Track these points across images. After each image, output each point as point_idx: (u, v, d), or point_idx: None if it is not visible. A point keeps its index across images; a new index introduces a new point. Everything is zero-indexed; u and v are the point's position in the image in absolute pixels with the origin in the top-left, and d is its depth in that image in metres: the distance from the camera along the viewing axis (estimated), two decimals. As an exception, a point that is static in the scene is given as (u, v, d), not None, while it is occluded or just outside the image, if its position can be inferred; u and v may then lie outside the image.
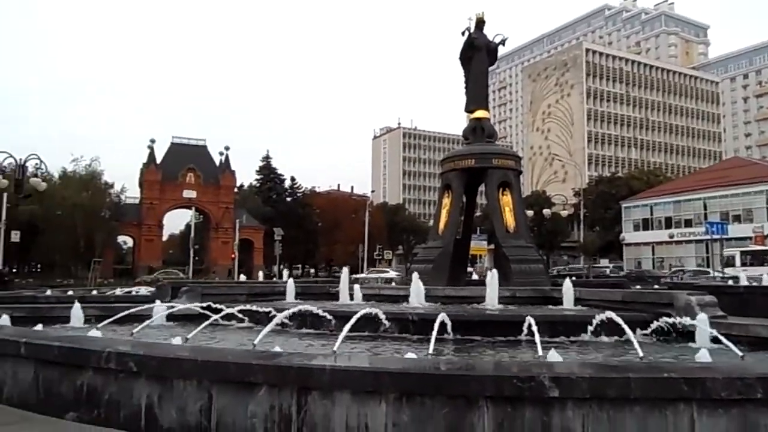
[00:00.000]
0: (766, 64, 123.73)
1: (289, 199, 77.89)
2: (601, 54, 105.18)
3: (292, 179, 79.73)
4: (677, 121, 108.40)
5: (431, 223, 18.86)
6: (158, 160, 63.96)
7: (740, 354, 5.16)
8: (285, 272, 29.61)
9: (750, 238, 45.95)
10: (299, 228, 69.49)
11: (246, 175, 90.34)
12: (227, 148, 66.67)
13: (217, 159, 66.88)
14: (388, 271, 46.33)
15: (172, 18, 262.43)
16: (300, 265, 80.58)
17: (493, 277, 10.54)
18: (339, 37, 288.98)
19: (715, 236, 38.98)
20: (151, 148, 63.73)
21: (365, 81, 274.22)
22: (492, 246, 18.97)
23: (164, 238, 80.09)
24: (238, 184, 71.44)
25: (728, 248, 41.52)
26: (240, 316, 8.41)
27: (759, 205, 53.40)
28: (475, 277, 22.77)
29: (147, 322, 7.21)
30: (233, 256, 52.02)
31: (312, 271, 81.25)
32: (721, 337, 5.56)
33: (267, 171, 78.26)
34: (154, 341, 5.97)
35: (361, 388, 3.37)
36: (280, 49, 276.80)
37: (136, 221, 62.07)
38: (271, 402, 3.46)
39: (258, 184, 78.41)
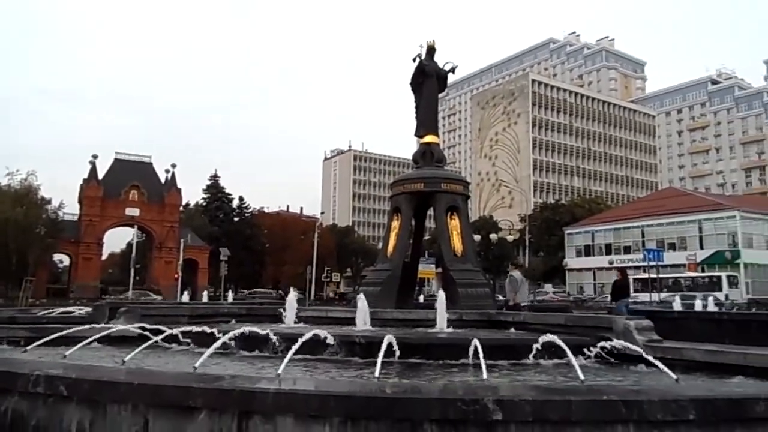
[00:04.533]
0: (698, 101, 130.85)
1: (236, 219, 76.71)
2: (546, 85, 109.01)
3: (241, 199, 78.74)
4: (617, 152, 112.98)
5: (380, 245, 18.91)
6: (101, 176, 61.98)
7: (675, 377, 5.35)
8: (230, 294, 28.97)
9: (684, 265, 48.01)
10: (246, 249, 68.41)
11: (192, 194, 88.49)
12: (174, 166, 65.31)
13: (162, 176, 65.34)
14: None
15: (119, 31, 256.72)
16: (245, 287, 79.08)
17: (441, 300, 10.61)
18: (291, 57, 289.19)
19: (652, 263, 40.58)
20: (92, 163, 61.71)
21: (317, 103, 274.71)
22: (440, 269, 19.16)
23: (104, 257, 77.21)
24: (184, 203, 69.90)
25: (662, 274, 43.36)
26: (182, 338, 8.16)
27: (692, 234, 56.03)
28: (421, 300, 22.89)
29: (81, 344, 6.90)
30: (177, 276, 50.65)
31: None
32: (657, 362, 5.74)
33: (214, 190, 76.97)
34: (87, 364, 5.71)
35: (305, 412, 3.30)
36: (231, 69, 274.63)
37: (74, 239, 59.67)
38: (210, 427, 3.35)
39: (205, 203, 76.95)
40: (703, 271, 47.06)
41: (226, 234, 67.67)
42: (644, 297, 37.36)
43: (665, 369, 5.51)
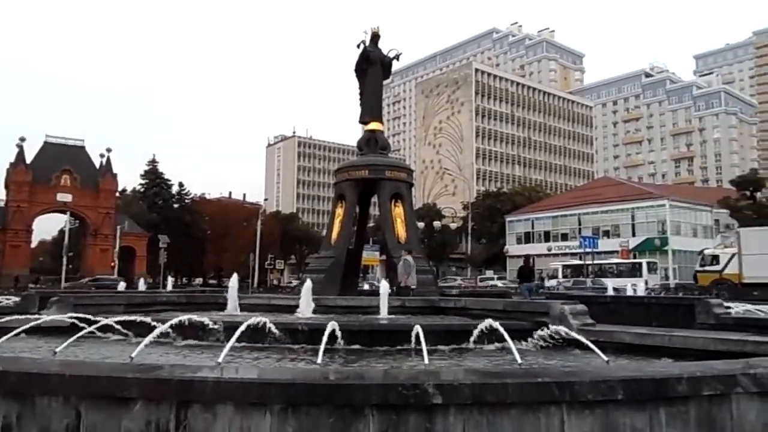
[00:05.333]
0: (633, 93, 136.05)
1: (176, 205, 74.65)
2: (489, 74, 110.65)
3: (180, 185, 76.61)
4: (556, 142, 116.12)
5: (325, 232, 18.85)
6: (29, 160, 58.93)
7: (606, 359, 5.59)
8: (170, 282, 28.24)
9: (617, 252, 50.01)
10: (186, 236, 66.76)
11: (130, 180, 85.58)
12: (109, 150, 62.72)
13: (97, 161, 62.69)
14: None
15: (54, 11, 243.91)
16: (187, 275, 77.36)
17: (384, 287, 10.69)
18: (234, 41, 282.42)
19: (588, 250, 42.21)
20: (20, 146, 58.55)
21: (260, 87, 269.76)
22: (384, 257, 19.29)
23: (33, 245, 73.64)
24: (120, 189, 67.40)
25: (588, 261, 45.26)
26: (117, 327, 7.91)
27: (625, 222, 58.42)
28: (366, 287, 23.01)
29: (9, 335, 6.59)
30: (113, 264, 48.97)
31: (199, 280, 78.17)
32: (590, 344, 5.97)
33: (153, 176, 74.56)
34: (15, 355, 5.47)
35: (245, 400, 3.27)
36: (171, 50, 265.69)
37: (1, 226, 56.68)
38: (147, 417, 3.27)
39: (143, 189, 74.48)
40: (635, 257, 49.15)
41: (166, 221, 65.79)
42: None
43: (597, 351, 5.75)
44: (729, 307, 9.82)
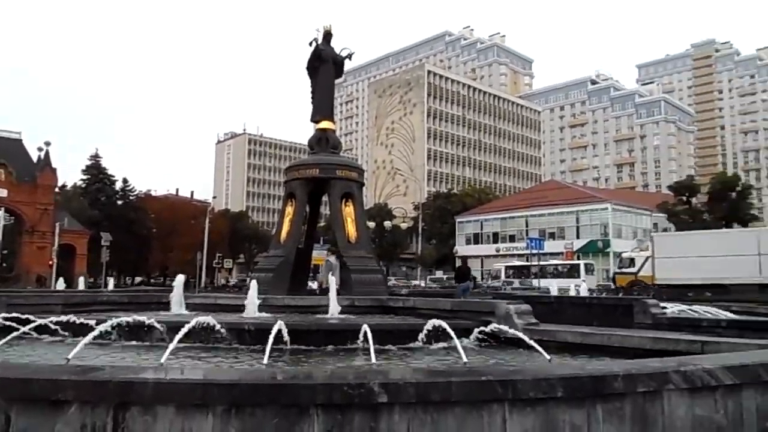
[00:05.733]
0: (579, 99, 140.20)
1: (120, 202, 72.22)
2: (441, 77, 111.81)
3: (125, 181, 74.13)
4: (505, 145, 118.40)
5: (274, 231, 18.64)
6: (-40, 152, 55.88)
7: (548, 357, 5.74)
8: (111, 281, 27.34)
9: (561, 253, 51.42)
10: (131, 233, 64.71)
11: (70, 175, 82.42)
12: (48, 144, 59.96)
13: (34, 155, 60.02)
14: None
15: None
16: (131, 274, 75.07)
17: (333, 286, 10.66)
18: (181, 37, 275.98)
19: (534, 251, 43.27)
20: (-49, 138, 55.54)
21: (210, 84, 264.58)
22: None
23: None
24: (60, 184, 64.75)
25: (532, 262, 46.63)
26: (54, 328, 7.61)
27: (570, 224, 60.18)
28: (315, 287, 22.91)
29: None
30: (51, 263, 47.05)
31: (136, 279, 75.90)
32: (533, 343, 6.12)
33: (95, 171, 71.91)
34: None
35: (187, 402, 3.20)
36: (115, 43, 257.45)
37: (-73, 221, 53.52)
38: (82, 420, 3.16)
39: (84, 185, 71.76)
40: (578, 258, 50.64)
41: (109, 218, 63.61)
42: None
43: (540, 350, 5.90)
44: (665, 308, 10.23)
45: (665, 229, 53.85)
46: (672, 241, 34.45)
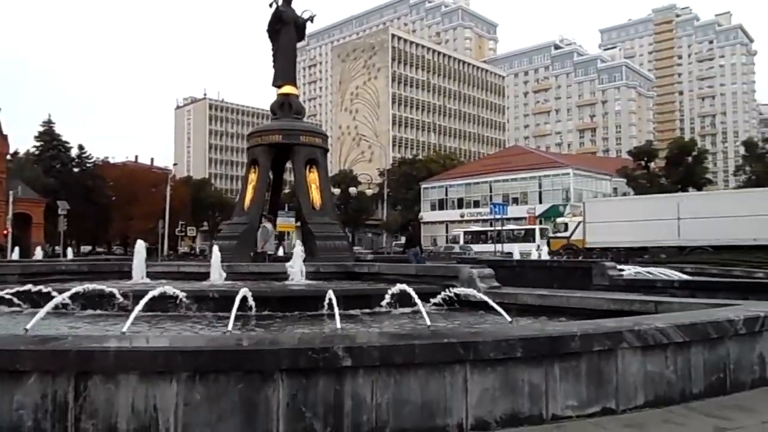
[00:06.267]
0: (543, 64, 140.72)
1: (76, 169, 70.08)
2: (405, 41, 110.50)
3: (81, 147, 71.80)
4: (470, 110, 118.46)
5: (238, 198, 18.43)
6: None
7: (509, 319, 5.89)
8: (69, 250, 26.73)
9: (524, 218, 52.25)
10: (89, 202, 63.08)
11: (23, 142, 79.43)
12: (-2, 109, 57.83)
13: (-16, 122, 57.58)
14: None
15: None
16: (91, 244, 73.41)
17: (297, 253, 10.65)
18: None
19: (498, 216, 43.83)
20: None
21: (168, 47, 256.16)
22: (299, 223, 19.17)
23: None
24: (12, 151, 62.42)
25: (500, 227, 47.48)
26: (9, 298, 7.43)
27: (533, 189, 61.06)
28: (281, 253, 22.90)
29: None
30: (6, 232, 45.62)
31: (97, 248, 74.31)
32: (495, 305, 6.26)
33: (49, 137, 69.41)
34: None
35: (150, 369, 3.20)
36: (67, 6, 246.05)
37: None
38: (43, 390, 3.13)
39: (38, 152, 69.35)
40: (540, 223, 51.54)
41: (65, 186, 61.77)
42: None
43: (502, 312, 6.05)
44: (622, 270, 10.55)
45: (624, 194, 55.12)
46: (602, 207, 35.84)
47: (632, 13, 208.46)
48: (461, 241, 49.58)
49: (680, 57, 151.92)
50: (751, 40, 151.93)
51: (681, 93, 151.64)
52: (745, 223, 27.07)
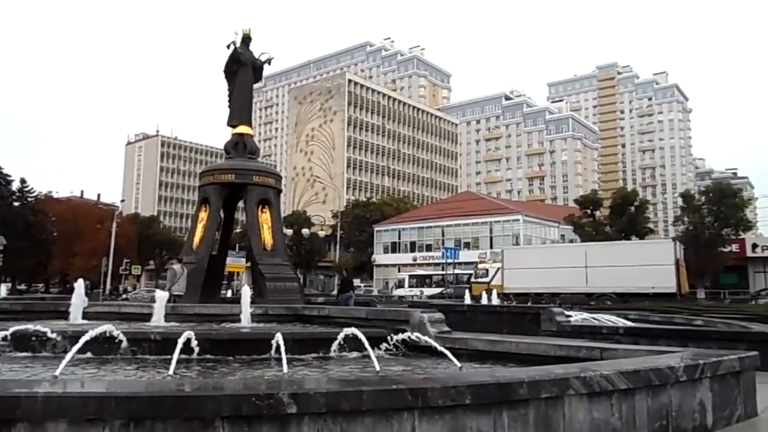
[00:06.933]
0: (494, 113, 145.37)
1: (17, 203, 67.31)
2: (362, 86, 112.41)
3: (23, 181, 68.88)
4: (424, 155, 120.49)
5: (187, 237, 18.01)
6: None
7: (459, 365, 5.85)
8: (3, 288, 25.43)
9: (475, 262, 52.85)
10: (29, 237, 60.49)
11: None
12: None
13: None
14: None
15: None
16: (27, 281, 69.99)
17: (245, 294, 10.42)
18: (89, 32, 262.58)
19: (449, 260, 44.22)
20: None
21: (120, 82, 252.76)
22: (249, 263, 18.80)
23: None
24: (-53, 183, 59.69)
25: (454, 271, 47.85)
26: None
27: (484, 234, 62.09)
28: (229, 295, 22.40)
29: None
30: (-65, 267, 43.08)
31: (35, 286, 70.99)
32: (445, 350, 6.22)
33: (-12, 169, 66.67)
34: None
35: (80, 416, 3.01)
36: (13, 36, 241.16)
37: None
38: (-41, 442, 2.91)
39: (-26, 185, 66.38)
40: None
41: (4, 221, 59.09)
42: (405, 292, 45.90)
43: (452, 358, 6.01)
44: (569, 316, 10.72)
45: (572, 240, 56.56)
46: (519, 254, 37.62)
47: (578, 69, 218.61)
48: (406, 285, 50.10)
49: (622, 112, 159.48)
50: (686, 99, 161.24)
51: (623, 146, 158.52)
52: (645, 272, 28.48)
